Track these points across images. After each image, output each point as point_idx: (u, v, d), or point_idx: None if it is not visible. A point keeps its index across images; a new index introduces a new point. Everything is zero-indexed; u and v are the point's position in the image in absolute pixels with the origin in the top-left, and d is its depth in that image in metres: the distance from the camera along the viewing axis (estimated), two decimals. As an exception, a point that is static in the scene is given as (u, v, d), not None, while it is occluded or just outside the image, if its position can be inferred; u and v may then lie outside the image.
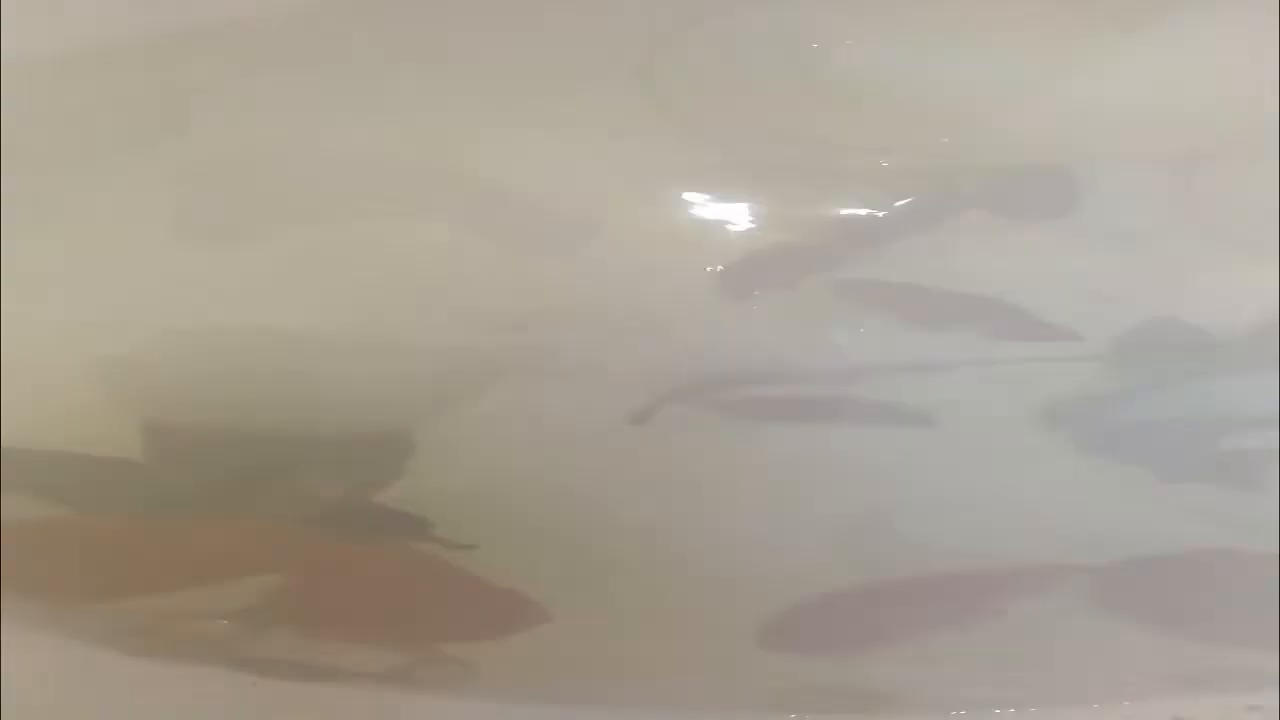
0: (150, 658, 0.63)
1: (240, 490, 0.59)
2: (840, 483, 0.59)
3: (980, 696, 0.62)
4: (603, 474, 0.59)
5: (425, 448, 0.58)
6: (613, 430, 0.58)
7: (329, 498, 0.59)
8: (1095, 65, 0.57)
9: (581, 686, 0.62)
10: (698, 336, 0.58)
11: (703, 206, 0.58)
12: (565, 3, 0.58)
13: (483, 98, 0.58)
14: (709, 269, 0.58)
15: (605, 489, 0.59)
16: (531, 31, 0.58)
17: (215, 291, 0.58)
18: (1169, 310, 0.57)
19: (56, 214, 0.58)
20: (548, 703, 0.62)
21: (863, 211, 0.58)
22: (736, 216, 0.58)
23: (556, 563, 0.60)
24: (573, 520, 0.59)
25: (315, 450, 0.59)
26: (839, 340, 0.58)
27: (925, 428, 0.58)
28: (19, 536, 0.59)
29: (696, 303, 0.58)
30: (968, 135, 0.57)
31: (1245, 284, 0.57)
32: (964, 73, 0.57)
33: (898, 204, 0.57)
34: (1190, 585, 0.59)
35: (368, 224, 0.58)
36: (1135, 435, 0.58)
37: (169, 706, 0.63)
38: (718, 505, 0.59)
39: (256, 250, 0.58)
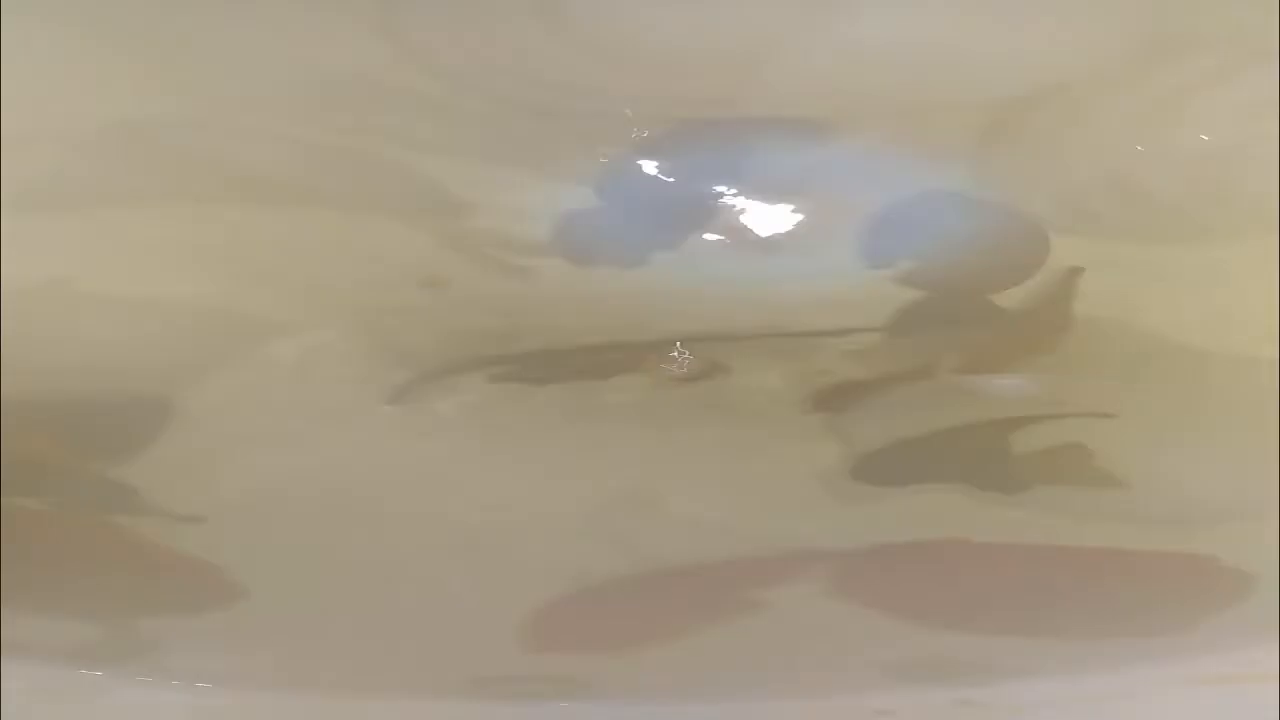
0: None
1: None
2: (605, 463, 0.57)
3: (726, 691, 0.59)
4: (353, 453, 0.57)
5: (174, 417, 0.56)
6: (366, 409, 0.57)
7: (58, 466, 0.56)
8: (857, 12, 0.55)
9: (282, 669, 0.58)
10: (458, 309, 0.57)
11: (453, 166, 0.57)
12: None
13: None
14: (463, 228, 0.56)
15: (352, 469, 0.57)
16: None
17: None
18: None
19: None
20: (242, 685, 0.59)
21: (604, 161, 0.57)
22: (481, 174, 0.57)
23: (274, 541, 0.57)
24: (308, 500, 0.57)
25: (56, 415, 0.56)
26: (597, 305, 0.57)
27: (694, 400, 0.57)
28: None
29: (453, 272, 0.57)
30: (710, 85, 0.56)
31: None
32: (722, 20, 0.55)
33: (645, 156, 0.57)
34: (928, 575, 0.58)
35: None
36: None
37: None
38: (471, 487, 0.57)
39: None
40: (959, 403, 0.57)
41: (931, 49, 0.56)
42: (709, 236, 0.58)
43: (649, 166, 0.57)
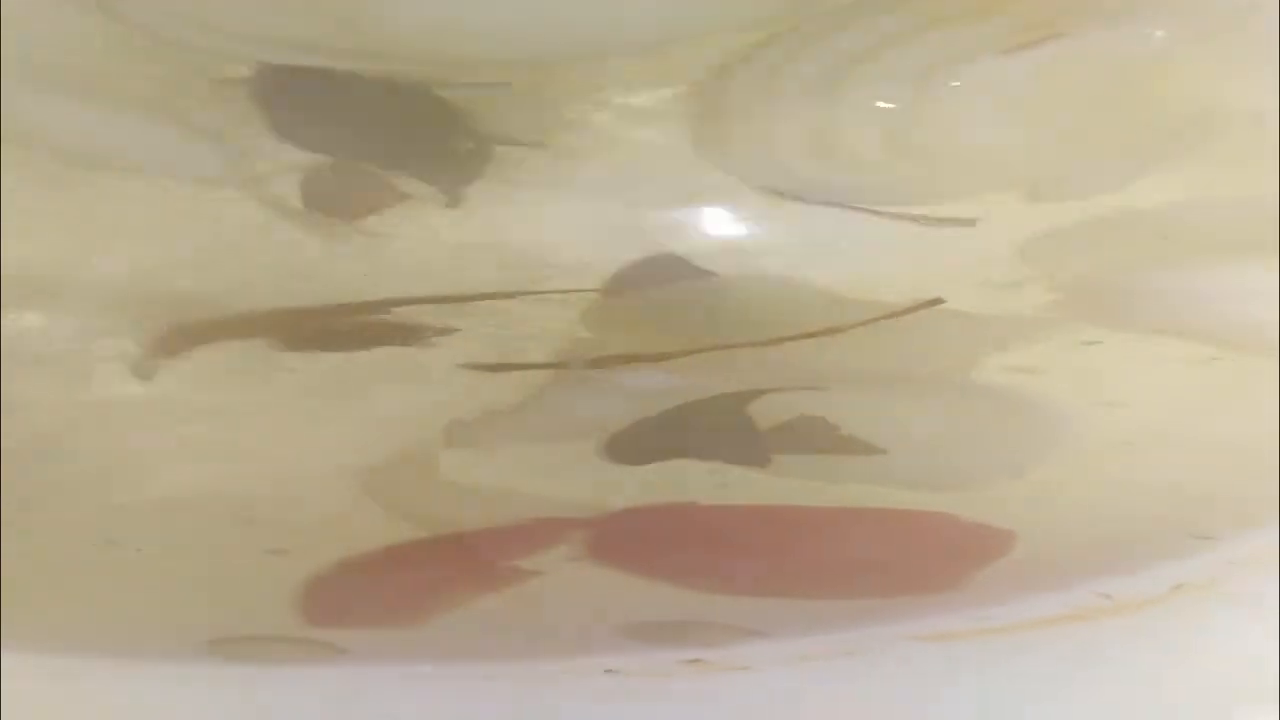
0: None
1: None
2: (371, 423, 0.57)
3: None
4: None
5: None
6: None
7: None
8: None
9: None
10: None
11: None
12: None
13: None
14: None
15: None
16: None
17: None
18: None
19: None
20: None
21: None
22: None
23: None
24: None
25: None
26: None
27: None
28: None
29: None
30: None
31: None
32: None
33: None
34: (673, 538, 0.59)
35: None
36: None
37: None
38: (240, 460, 0.57)
39: None
40: (701, 375, 0.58)
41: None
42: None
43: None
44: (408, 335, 0.57)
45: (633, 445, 0.57)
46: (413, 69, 0.53)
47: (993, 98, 0.55)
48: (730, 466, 0.58)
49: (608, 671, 0.60)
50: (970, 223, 0.56)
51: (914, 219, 0.57)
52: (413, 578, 0.59)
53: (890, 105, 0.55)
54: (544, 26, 0.52)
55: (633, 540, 0.58)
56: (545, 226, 0.56)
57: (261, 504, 0.58)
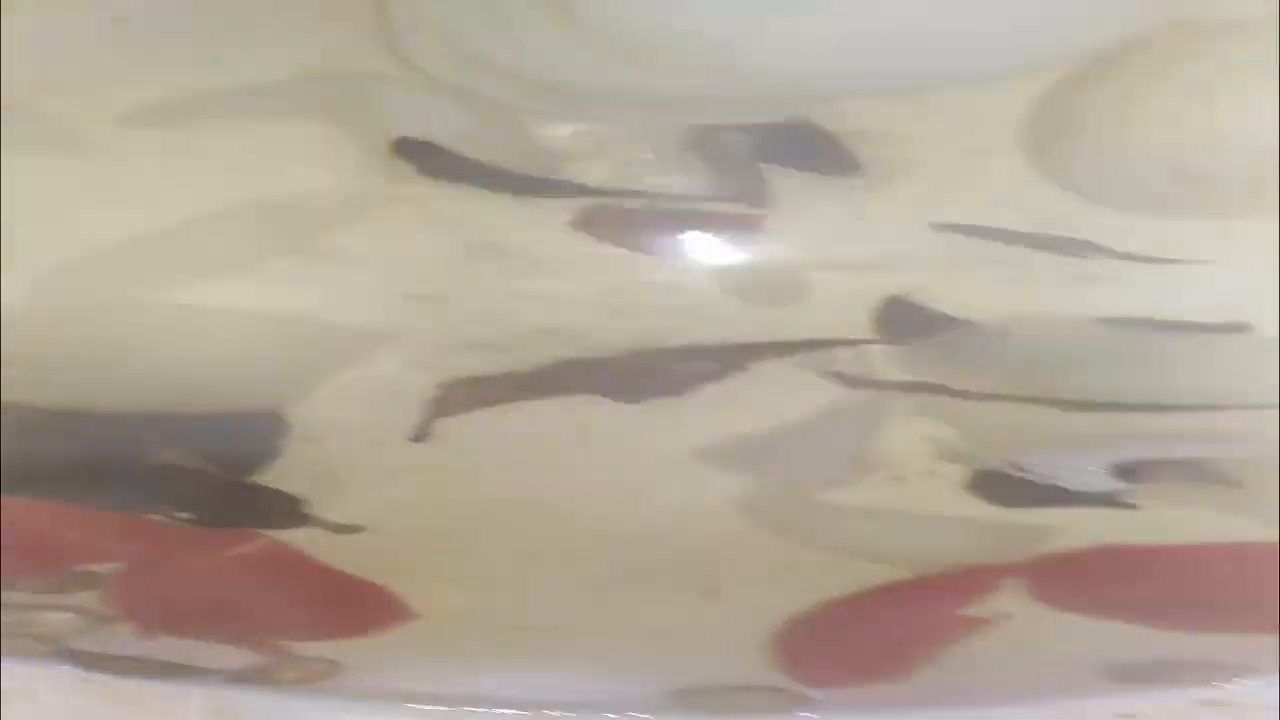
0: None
1: (85, 474, 0.54)
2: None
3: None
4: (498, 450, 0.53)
5: (299, 422, 0.53)
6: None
7: (193, 479, 0.54)
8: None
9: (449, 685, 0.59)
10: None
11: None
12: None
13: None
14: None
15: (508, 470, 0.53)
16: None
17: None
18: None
19: None
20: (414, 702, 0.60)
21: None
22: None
23: (437, 553, 0.55)
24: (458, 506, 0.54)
25: (174, 428, 0.53)
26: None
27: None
28: None
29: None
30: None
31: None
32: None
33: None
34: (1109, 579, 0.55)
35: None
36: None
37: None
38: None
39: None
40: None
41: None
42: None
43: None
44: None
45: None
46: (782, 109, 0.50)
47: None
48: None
49: (1123, 717, 0.57)
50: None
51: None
52: (891, 624, 0.56)
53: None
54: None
55: (1075, 582, 0.53)
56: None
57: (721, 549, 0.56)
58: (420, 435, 0.53)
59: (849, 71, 0.49)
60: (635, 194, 0.51)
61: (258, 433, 0.53)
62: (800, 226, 0.50)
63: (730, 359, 0.52)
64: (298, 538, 0.55)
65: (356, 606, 0.57)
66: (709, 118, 0.50)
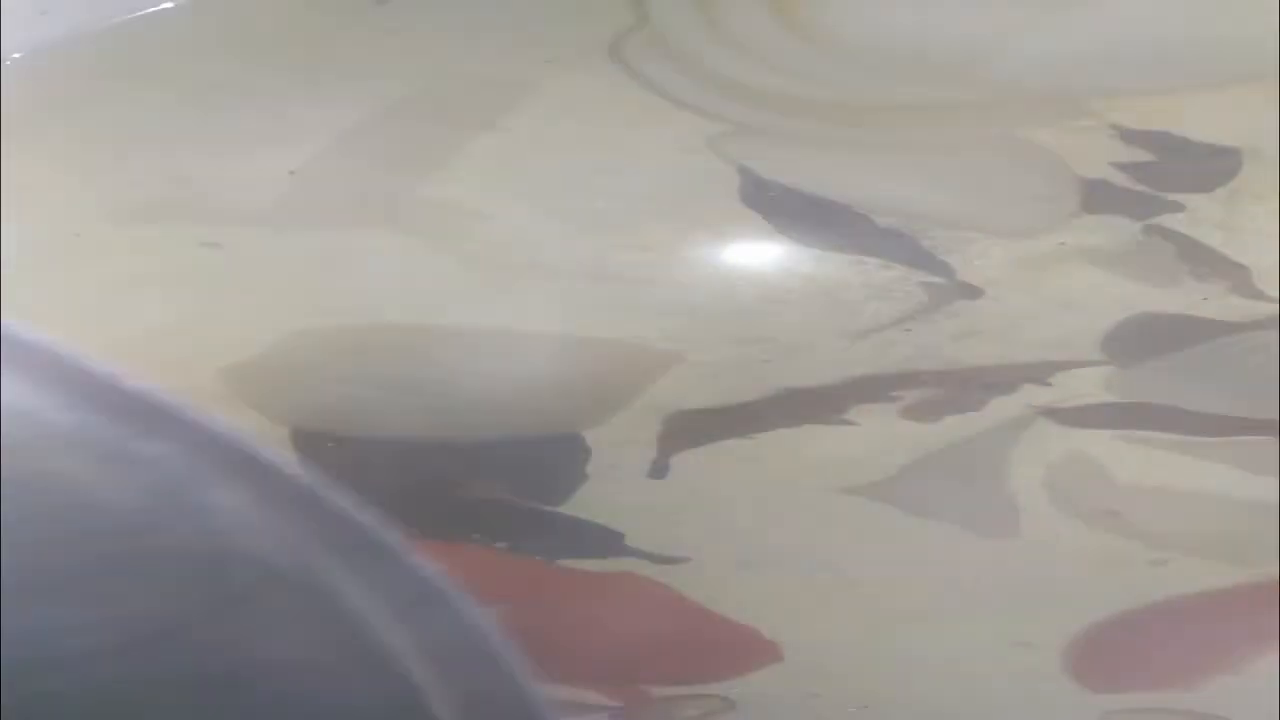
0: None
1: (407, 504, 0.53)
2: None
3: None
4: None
5: (599, 451, 0.53)
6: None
7: (505, 508, 0.55)
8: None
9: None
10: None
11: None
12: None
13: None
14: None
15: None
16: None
17: (340, 288, 0.53)
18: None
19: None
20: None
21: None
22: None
23: (779, 585, 0.56)
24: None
25: (481, 456, 0.54)
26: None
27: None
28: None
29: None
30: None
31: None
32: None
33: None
34: None
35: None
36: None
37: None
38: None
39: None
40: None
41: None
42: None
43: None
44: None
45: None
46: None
47: None
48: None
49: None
50: None
51: None
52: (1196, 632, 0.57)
53: None
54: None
55: None
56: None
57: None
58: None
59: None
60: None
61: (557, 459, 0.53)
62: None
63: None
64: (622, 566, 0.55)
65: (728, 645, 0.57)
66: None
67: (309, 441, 0.55)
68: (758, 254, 0.51)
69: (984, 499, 0.54)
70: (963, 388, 0.52)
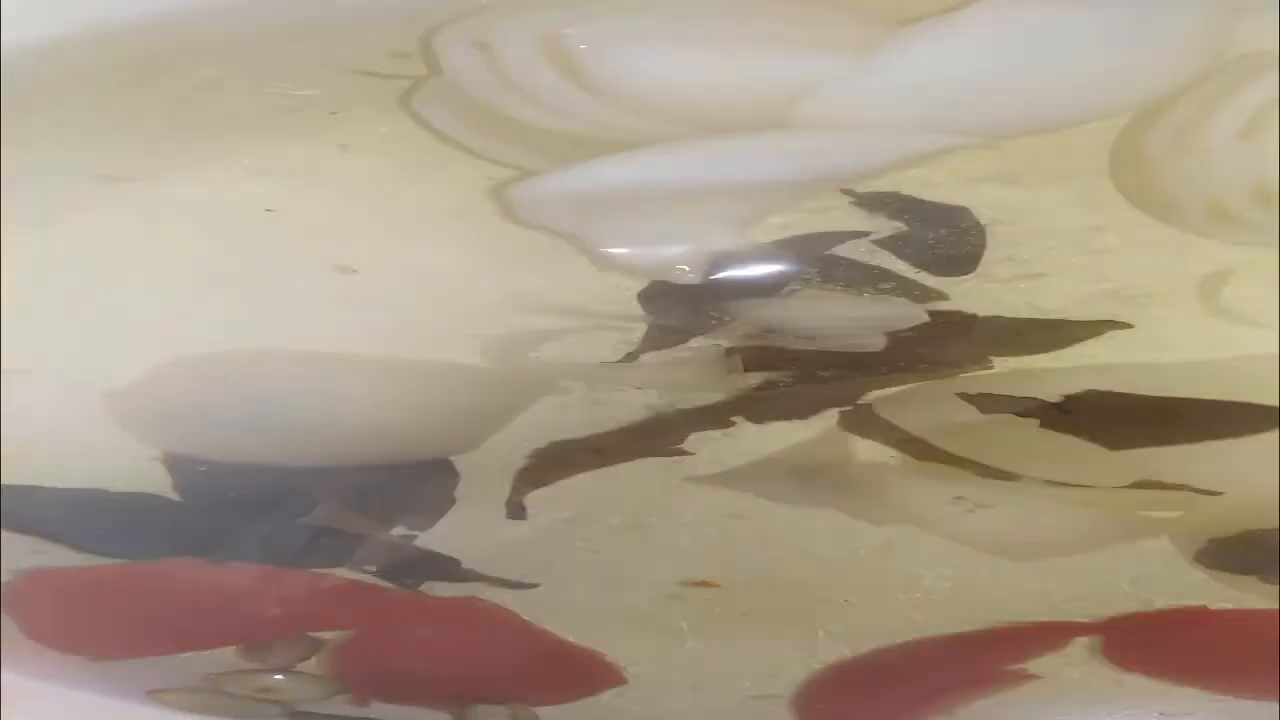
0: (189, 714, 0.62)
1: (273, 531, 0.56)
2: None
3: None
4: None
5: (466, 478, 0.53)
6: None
7: (371, 537, 0.55)
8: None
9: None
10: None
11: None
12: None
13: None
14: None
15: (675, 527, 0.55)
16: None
17: (222, 318, 0.52)
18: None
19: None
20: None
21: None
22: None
23: (626, 611, 0.56)
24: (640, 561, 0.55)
25: (349, 483, 0.54)
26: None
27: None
28: (37, 583, 0.57)
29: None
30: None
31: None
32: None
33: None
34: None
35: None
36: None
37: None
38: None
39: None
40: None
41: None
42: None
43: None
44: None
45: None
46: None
47: None
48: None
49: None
50: None
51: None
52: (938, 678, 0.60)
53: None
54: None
55: (1148, 645, 0.57)
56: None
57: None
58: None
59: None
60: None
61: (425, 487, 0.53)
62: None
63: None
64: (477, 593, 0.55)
65: (571, 669, 0.58)
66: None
67: (180, 465, 0.55)
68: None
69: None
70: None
